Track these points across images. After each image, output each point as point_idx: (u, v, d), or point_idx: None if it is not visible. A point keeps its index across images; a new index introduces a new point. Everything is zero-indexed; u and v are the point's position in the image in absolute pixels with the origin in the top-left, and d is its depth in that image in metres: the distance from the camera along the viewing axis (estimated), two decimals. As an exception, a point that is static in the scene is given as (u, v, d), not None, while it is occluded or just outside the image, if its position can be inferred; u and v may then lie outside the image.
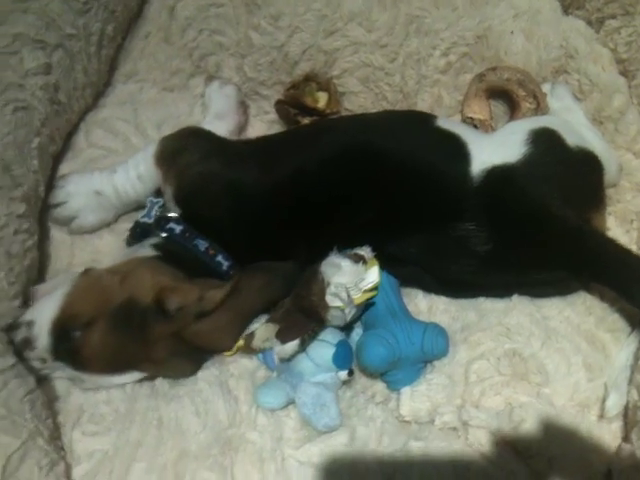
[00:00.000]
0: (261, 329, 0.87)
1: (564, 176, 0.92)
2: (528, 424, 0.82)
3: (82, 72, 1.03)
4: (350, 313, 0.87)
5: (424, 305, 0.97)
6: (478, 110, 1.09)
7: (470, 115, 1.10)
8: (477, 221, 0.90)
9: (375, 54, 1.11)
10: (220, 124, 1.08)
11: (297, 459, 0.82)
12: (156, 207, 0.98)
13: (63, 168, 1.05)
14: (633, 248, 0.99)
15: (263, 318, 0.91)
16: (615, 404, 0.83)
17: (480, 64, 1.11)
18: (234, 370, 0.90)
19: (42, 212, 0.99)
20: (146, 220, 0.97)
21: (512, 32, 1.10)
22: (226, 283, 0.87)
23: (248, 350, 0.89)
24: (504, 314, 0.93)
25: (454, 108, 1.14)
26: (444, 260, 0.92)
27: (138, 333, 0.84)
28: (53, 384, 0.88)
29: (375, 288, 0.89)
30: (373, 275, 0.88)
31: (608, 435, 0.83)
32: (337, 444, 0.83)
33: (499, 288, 0.96)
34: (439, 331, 0.89)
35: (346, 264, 0.86)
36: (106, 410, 0.86)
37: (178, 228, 0.93)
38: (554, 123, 0.97)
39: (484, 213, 0.90)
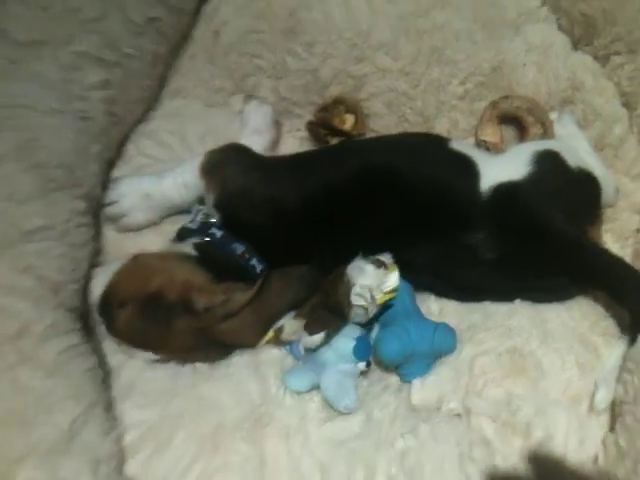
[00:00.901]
0: (290, 323, 0.98)
1: (565, 192, 1.03)
2: (524, 412, 0.92)
3: (136, 88, 1.15)
4: (372, 312, 0.98)
5: (435, 307, 1.07)
6: (491, 134, 1.21)
7: (483, 138, 1.21)
8: (485, 232, 1.00)
9: (399, 81, 1.22)
10: (257, 139, 1.19)
11: (319, 435, 0.92)
12: (200, 214, 1.08)
13: (115, 173, 1.15)
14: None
15: (290, 314, 1.00)
16: (603, 398, 0.93)
17: (494, 92, 1.23)
18: (265, 357, 1.00)
19: (98, 211, 1.10)
20: (191, 226, 1.07)
21: (524, 65, 1.22)
22: (251, 287, 0.96)
23: (277, 342, 1.00)
24: (507, 316, 1.03)
25: (469, 131, 1.25)
26: (455, 267, 1.03)
27: (162, 323, 0.95)
28: (108, 364, 0.98)
29: (394, 290, 0.99)
30: (393, 279, 0.98)
31: (596, 426, 0.93)
32: (355, 424, 0.94)
33: (503, 293, 1.06)
34: (448, 330, 1.00)
35: (370, 268, 0.97)
36: (152, 386, 0.96)
37: (219, 233, 1.03)
38: (557, 146, 1.08)
39: (491, 225, 1.01)
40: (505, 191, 1.02)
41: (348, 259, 1.00)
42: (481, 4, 1.23)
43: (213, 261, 1.01)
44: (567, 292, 1.06)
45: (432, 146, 1.12)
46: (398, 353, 0.97)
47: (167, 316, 0.95)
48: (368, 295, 0.95)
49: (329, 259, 1.02)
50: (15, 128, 0.95)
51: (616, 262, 1.02)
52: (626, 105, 1.22)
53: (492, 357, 0.98)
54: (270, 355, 1.01)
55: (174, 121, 1.23)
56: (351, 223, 1.03)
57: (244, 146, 1.14)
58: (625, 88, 1.22)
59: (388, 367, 1.02)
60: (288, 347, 1.02)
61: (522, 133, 1.21)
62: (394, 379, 1.01)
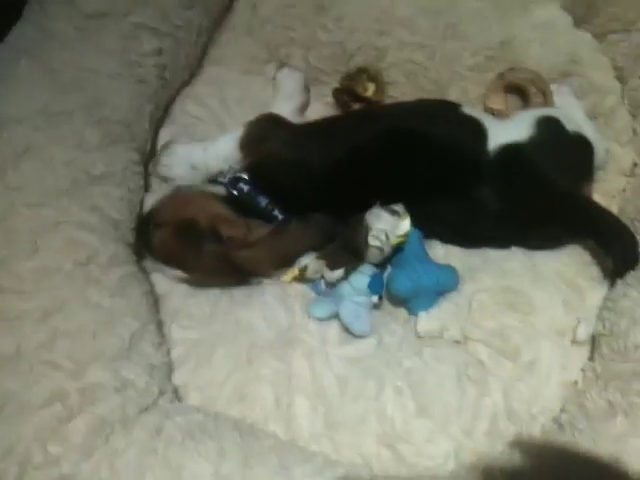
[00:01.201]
0: (313, 263, 1.11)
1: (563, 153, 1.13)
2: (514, 339, 1.05)
3: (183, 56, 1.25)
4: (386, 252, 1.10)
5: (441, 252, 1.17)
6: (497, 102, 1.30)
7: (490, 106, 1.30)
8: (491, 186, 1.10)
9: (417, 52, 1.31)
10: (288, 103, 1.29)
11: (337, 355, 1.05)
12: (232, 171, 1.17)
13: (163, 131, 1.28)
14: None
15: (313, 255, 1.12)
16: (583, 332, 1.05)
17: (502, 65, 1.29)
18: (292, 291, 1.13)
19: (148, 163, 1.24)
20: (222, 180, 1.16)
21: (530, 40, 1.30)
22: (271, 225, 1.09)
23: (302, 279, 1.13)
24: (503, 260, 1.14)
25: (478, 99, 1.33)
26: (463, 217, 1.13)
27: (192, 246, 1.07)
28: (158, 291, 1.13)
29: (406, 235, 1.10)
30: (405, 225, 1.10)
31: (578, 356, 1.06)
32: (368, 346, 1.07)
33: (504, 240, 1.16)
34: (451, 270, 1.12)
35: (385, 214, 1.09)
36: (195, 310, 1.10)
37: (246, 188, 1.13)
38: (557, 113, 1.17)
39: (497, 180, 1.10)
40: (510, 150, 1.12)
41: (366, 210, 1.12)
42: None
43: (241, 206, 1.12)
44: (559, 241, 1.17)
45: (446, 109, 1.21)
46: (408, 289, 1.09)
47: (197, 240, 1.07)
48: (383, 237, 1.07)
49: (349, 211, 1.12)
50: (83, 88, 1.08)
51: (605, 214, 1.12)
52: (619, 79, 1.30)
53: (488, 294, 1.10)
54: (296, 290, 1.14)
55: (214, 86, 1.34)
56: (372, 181, 1.13)
57: (277, 116, 1.24)
58: (619, 63, 1.30)
59: (398, 301, 1.13)
60: (311, 284, 1.15)
61: (525, 102, 1.29)
62: (402, 312, 1.13)
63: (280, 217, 1.13)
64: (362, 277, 1.11)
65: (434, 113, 1.21)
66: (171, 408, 0.97)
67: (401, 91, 1.35)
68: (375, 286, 1.10)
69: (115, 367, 0.93)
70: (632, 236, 1.10)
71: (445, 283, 1.11)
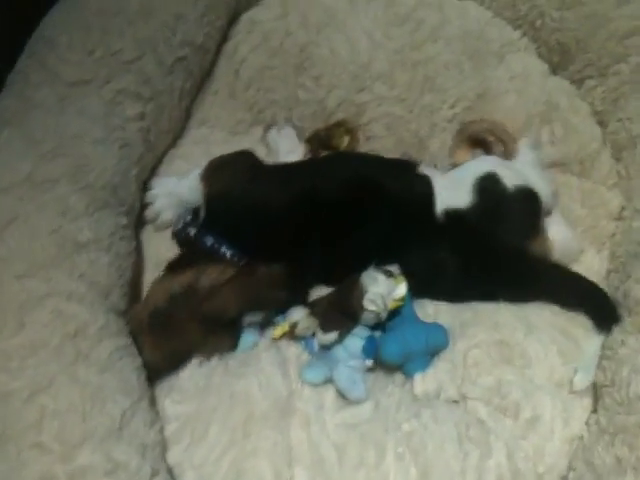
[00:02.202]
0: (304, 320, 1.06)
1: (504, 212, 1.12)
2: (513, 395, 1.00)
3: (167, 119, 1.23)
4: (383, 317, 1.06)
5: (431, 309, 1.12)
6: (462, 156, 1.28)
7: (457, 161, 1.28)
8: (445, 249, 1.10)
9: (396, 106, 1.30)
10: (293, 157, 1.27)
11: (334, 422, 0.99)
12: (184, 217, 1.17)
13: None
14: (604, 264, 1.20)
15: (303, 311, 1.07)
16: (581, 380, 1.01)
17: (480, 116, 1.29)
18: (288, 354, 1.07)
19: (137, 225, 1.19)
20: (176, 227, 1.17)
21: (507, 91, 1.30)
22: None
23: (291, 336, 1.08)
24: (494, 313, 1.09)
25: None
26: (428, 275, 1.11)
27: (170, 329, 1.03)
28: None
29: (402, 299, 1.06)
30: (402, 288, 1.05)
31: (580, 408, 1.01)
32: (365, 410, 1.00)
33: (479, 297, 1.14)
34: (440, 329, 1.06)
35: (381, 277, 1.04)
36: (189, 384, 1.03)
37: (192, 231, 1.11)
38: (495, 166, 1.16)
39: (449, 243, 1.10)
40: (454, 215, 1.11)
41: (337, 262, 1.11)
42: (469, 37, 1.31)
43: (194, 248, 1.11)
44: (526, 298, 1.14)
45: (403, 169, 1.19)
46: (397, 355, 1.03)
47: (170, 321, 1.03)
48: (380, 302, 1.02)
49: (316, 260, 1.10)
50: (66, 155, 1.03)
51: (559, 270, 1.12)
52: (599, 123, 1.29)
53: (482, 349, 1.05)
54: (293, 352, 1.08)
55: (201, 145, 1.31)
56: (333, 229, 1.11)
57: (247, 151, 1.22)
58: (598, 107, 1.29)
59: (392, 366, 1.08)
60: (303, 343, 1.09)
61: (488, 152, 1.27)
62: (398, 374, 1.07)
63: (227, 253, 1.08)
64: (356, 340, 1.06)
65: (393, 168, 1.21)
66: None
67: (382, 145, 1.34)
68: (369, 349, 1.05)
69: (106, 448, 0.86)
70: (598, 290, 1.10)
71: (435, 344, 1.06)
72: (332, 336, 1.05)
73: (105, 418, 0.89)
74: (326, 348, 1.07)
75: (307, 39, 1.30)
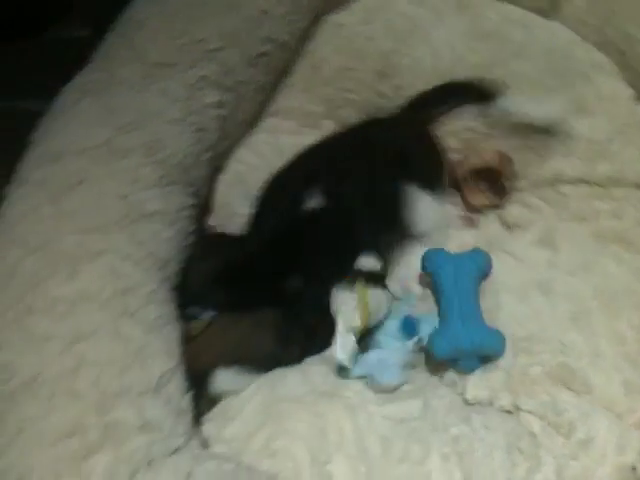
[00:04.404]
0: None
1: None
2: (569, 414, 0.90)
3: (243, 110, 1.23)
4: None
5: (503, 314, 1.03)
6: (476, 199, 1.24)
7: (473, 203, 1.24)
8: None
9: (477, 122, 1.24)
10: None
11: (381, 414, 0.92)
12: None
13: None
14: None
15: None
16: None
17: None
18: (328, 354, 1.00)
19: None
20: None
21: (594, 112, 1.21)
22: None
23: None
24: (563, 332, 0.99)
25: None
26: None
27: None
28: None
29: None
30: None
31: (637, 438, 0.89)
32: (414, 408, 0.94)
33: None
34: (497, 336, 0.97)
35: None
36: None
37: None
38: None
39: None
40: None
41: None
42: (554, 56, 1.25)
43: None
44: None
45: None
46: (446, 352, 0.97)
47: None
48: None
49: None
50: (143, 129, 1.04)
51: None
52: None
53: (544, 368, 0.96)
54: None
55: (270, 135, 1.30)
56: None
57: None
58: None
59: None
60: None
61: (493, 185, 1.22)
62: (451, 374, 1.00)
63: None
64: (393, 321, 1.01)
65: None
66: (202, 454, 0.86)
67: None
68: (407, 328, 1.00)
69: (141, 405, 0.83)
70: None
71: (489, 350, 0.98)
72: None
73: (143, 376, 0.85)
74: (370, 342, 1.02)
75: (390, 47, 1.28)
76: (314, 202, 1.07)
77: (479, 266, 1.05)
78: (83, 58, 1.11)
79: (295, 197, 1.09)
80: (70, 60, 1.09)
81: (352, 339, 0.95)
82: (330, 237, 1.07)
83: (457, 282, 1.02)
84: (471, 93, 1.22)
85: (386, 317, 1.03)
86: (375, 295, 1.00)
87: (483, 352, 0.97)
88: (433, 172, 1.20)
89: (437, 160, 1.22)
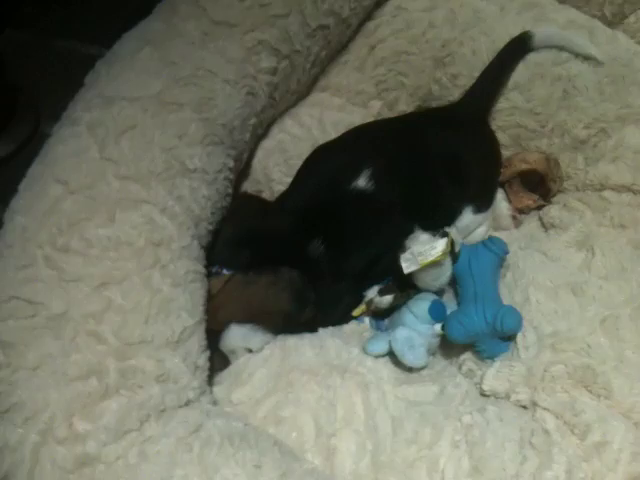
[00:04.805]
0: (377, 296, 1.05)
1: None
2: (586, 415, 0.89)
3: (294, 81, 1.21)
4: (442, 281, 1.03)
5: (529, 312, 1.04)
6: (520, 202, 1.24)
7: (517, 207, 1.24)
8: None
9: (529, 119, 1.24)
10: None
11: (395, 394, 0.92)
12: None
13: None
14: None
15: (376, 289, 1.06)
16: None
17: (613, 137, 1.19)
18: (348, 330, 1.05)
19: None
20: None
21: None
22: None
23: (368, 312, 1.07)
24: (589, 334, 0.98)
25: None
26: None
27: None
28: None
29: (444, 254, 0.99)
30: (440, 245, 1.00)
31: None
32: (429, 392, 0.94)
33: None
34: (512, 312, 0.99)
35: (425, 237, 1.03)
36: None
37: None
38: None
39: None
40: None
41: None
42: (615, 63, 1.20)
43: None
44: None
45: None
46: (463, 335, 0.99)
47: None
48: (412, 259, 0.98)
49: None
50: (197, 85, 1.03)
51: None
52: None
53: (567, 368, 0.95)
54: (352, 328, 1.05)
55: (316, 108, 1.29)
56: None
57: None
58: None
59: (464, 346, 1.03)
60: (374, 323, 1.06)
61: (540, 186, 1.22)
62: (469, 364, 1.01)
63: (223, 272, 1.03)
64: (422, 303, 1.02)
65: None
66: (212, 410, 0.87)
67: (503, 155, 1.28)
68: (436, 312, 1.00)
69: (161, 356, 0.84)
70: None
71: (505, 327, 0.98)
72: (387, 299, 1.03)
73: (166, 328, 0.86)
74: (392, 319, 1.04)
75: (451, 35, 1.25)
76: (357, 182, 1.06)
77: (493, 250, 1.07)
78: (147, 7, 1.10)
79: (338, 174, 1.08)
80: (134, 8, 1.09)
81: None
82: (364, 219, 1.07)
83: (472, 268, 1.04)
84: (512, 51, 1.21)
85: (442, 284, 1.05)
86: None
87: (499, 330, 0.97)
88: (483, 184, 1.20)
89: (490, 171, 1.22)
